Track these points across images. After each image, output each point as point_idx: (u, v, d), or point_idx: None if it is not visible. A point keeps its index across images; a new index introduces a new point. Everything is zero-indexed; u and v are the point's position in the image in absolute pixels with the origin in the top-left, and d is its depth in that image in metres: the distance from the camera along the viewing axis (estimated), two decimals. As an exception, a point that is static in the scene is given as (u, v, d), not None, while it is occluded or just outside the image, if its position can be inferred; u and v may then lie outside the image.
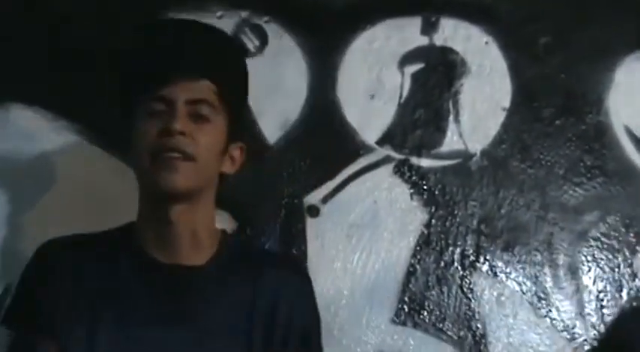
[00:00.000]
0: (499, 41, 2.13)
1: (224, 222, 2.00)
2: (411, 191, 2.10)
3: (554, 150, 2.12)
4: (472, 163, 2.11)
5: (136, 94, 1.64)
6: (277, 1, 2.12)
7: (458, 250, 2.09)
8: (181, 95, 1.61)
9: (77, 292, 1.62)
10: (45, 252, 1.68)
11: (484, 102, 2.13)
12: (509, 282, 2.08)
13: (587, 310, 2.08)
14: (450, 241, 2.09)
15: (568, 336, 2.07)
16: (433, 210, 2.10)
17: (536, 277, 2.08)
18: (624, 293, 2.09)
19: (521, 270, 2.09)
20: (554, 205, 2.11)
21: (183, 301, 1.64)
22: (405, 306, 2.06)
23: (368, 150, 2.10)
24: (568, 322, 2.07)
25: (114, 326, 1.61)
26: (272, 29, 2.10)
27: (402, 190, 2.10)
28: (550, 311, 2.08)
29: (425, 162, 2.11)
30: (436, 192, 2.10)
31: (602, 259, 2.10)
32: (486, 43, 2.13)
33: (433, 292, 2.07)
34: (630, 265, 2.09)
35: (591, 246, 2.10)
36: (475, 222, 2.10)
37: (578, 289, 2.08)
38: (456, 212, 2.10)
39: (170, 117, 1.60)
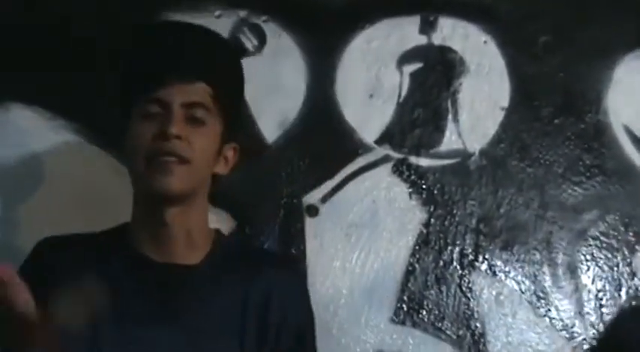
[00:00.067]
0: (498, 40, 2.13)
1: (223, 221, 2.01)
2: (410, 190, 2.10)
3: (553, 149, 2.12)
4: (471, 162, 2.11)
5: (132, 95, 1.65)
6: (276, 0, 2.12)
7: (457, 249, 2.09)
8: (177, 98, 1.61)
9: (71, 291, 1.62)
10: (41, 250, 1.69)
11: (483, 102, 2.13)
12: (508, 281, 2.08)
13: (586, 309, 2.08)
14: (448, 240, 2.09)
15: (567, 335, 2.07)
16: (432, 209, 2.10)
17: (535, 276, 2.08)
18: (623, 293, 2.08)
19: (520, 269, 2.08)
20: (553, 204, 2.10)
21: (177, 300, 1.64)
22: (404, 305, 2.06)
23: (367, 149, 2.10)
24: (567, 321, 2.07)
25: (110, 326, 1.61)
26: (270, 28, 2.10)
27: (400, 189, 2.10)
28: (549, 310, 2.08)
29: (424, 162, 2.11)
30: (435, 192, 2.10)
31: (601, 258, 2.10)
32: (485, 42, 2.13)
33: (432, 291, 2.07)
34: (629, 264, 2.09)
35: (590, 245, 2.10)
36: (474, 221, 2.10)
37: (577, 288, 2.08)
38: (454, 211, 2.10)
39: (166, 120, 1.60)
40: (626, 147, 2.12)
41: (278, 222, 2.06)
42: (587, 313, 2.07)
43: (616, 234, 2.10)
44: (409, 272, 2.07)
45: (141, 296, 1.63)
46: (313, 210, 2.07)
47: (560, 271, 2.09)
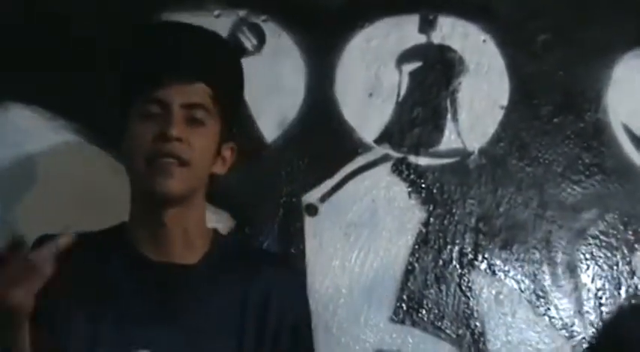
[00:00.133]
0: (497, 39, 2.13)
1: (223, 221, 2.02)
2: (409, 189, 2.10)
3: (553, 148, 2.12)
4: (470, 161, 2.11)
5: (131, 95, 1.65)
6: (275, 0, 2.12)
7: (456, 248, 2.09)
8: (177, 98, 1.62)
9: (70, 289, 1.63)
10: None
11: (482, 101, 2.12)
12: (507, 280, 2.08)
13: (585, 308, 2.08)
14: (448, 239, 2.09)
15: (567, 334, 2.07)
16: (431, 208, 2.10)
17: (535, 275, 2.08)
18: (623, 291, 2.08)
19: (520, 268, 2.08)
20: (553, 203, 2.10)
21: (176, 300, 1.64)
22: (404, 305, 2.06)
23: (366, 148, 2.10)
24: (567, 320, 2.07)
25: (108, 325, 1.62)
26: (270, 28, 2.10)
27: (400, 189, 2.10)
28: (549, 309, 2.08)
29: (423, 161, 2.11)
30: (434, 191, 2.10)
31: (600, 257, 2.09)
32: (484, 41, 2.13)
33: (431, 290, 2.07)
34: (629, 263, 2.09)
35: (590, 243, 2.10)
36: (473, 221, 2.10)
37: (577, 287, 2.08)
38: (454, 210, 2.10)
39: (166, 122, 1.60)
40: (625, 146, 2.12)
41: (277, 221, 2.07)
42: (587, 312, 2.07)
43: (615, 232, 2.10)
44: (408, 272, 2.07)
45: (139, 295, 1.64)
46: (312, 210, 2.08)
47: (559, 270, 2.09)
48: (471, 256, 2.08)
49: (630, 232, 2.10)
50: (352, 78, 2.11)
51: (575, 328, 2.07)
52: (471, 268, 2.08)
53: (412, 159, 2.11)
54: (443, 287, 2.07)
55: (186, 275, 1.66)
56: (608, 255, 2.09)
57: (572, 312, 2.07)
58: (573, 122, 2.13)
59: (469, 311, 2.06)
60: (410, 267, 2.08)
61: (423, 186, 2.10)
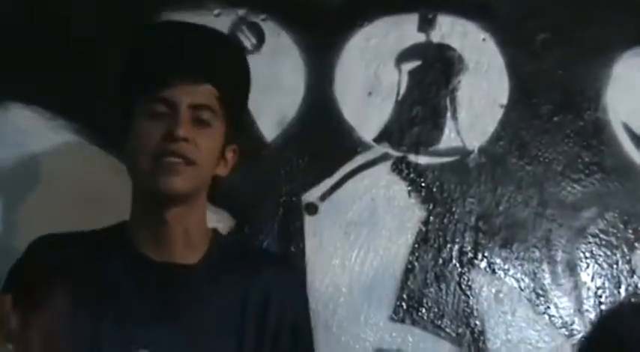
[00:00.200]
0: (496, 38, 2.13)
1: (222, 220, 2.02)
2: (409, 188, 2.10)
3: (552, 146, 2.12)
4: (470, 160, 2.11)
5: (136, 94, 1.65)
6: (274, -1, 2.13)
7: (456, 247, 2.09)
8: (184, 98, 1.62)
9: (69, 289, 1.63)
10: (37, 248, 1.70)
11: (482, 99, 2.12)
12: (507, 279, 2.08)
13: (585, 306, 2.07)
14: (448, 238, 2.09)
15: (566, 333, 2.07)
16: (431, 207, 2.10)
17: (535, 274, 2.08)
18: (622, 290, 2.08)
19: (520, 267, 2.08)
20: (553, 202, 2.10)
21: (177, 300, 1.65)
22: (404, 303, 2.06)
23: (365, 147, 2.10)
24: (567, 318, 2.07)
25: (109, 325, 1.62)
26: (269, 27, 2.10)
27: (399, 187, 2.10)
28: (548, 307, 2.07)
29: (422, 160, 2.11)
30: (434, 190, 2.10)
31: (600, 255, 2.09)
32: (484, 39, 2.13)
33: (431, 289, 2.07)
34: (629, 261, 2.09)
35: (590, 242, 2.10)
36: (473, 219, 2.09)
37: (577, 285, 2.08)
38: (453, 209, 2.10)
39: (173, 121, 1.61)
40: (625, 145, 2.12)
41: (277, 220, 2.07)
42: (587, 310, 2.07)
43: (615, 231, 2.10)
44: (408, 270, 2.07)
45: (140, 295, 1.64)
46: (312, 209, 2.08)
47: (559, 269, 2.09)
48: (470, 255, 2.08)
49: (630, 231, 2.10)
50: (351, 77, 2.11)
51: (575, 326, 2.07)
52: (471, 267, 2.08)
53: (412, 157, 2.11)
54: (443, 286, 2.07)
55: (187, 275, 1.67)
56: (608, 253, 2.09)
57: (571, 311, 2.07)
58: (573, 121, 2.12)
59: (469, 310, 2.07)
60: (410, 266, 2.08)
61: (423, 184, 2.10)
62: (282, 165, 2.08)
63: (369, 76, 2.12)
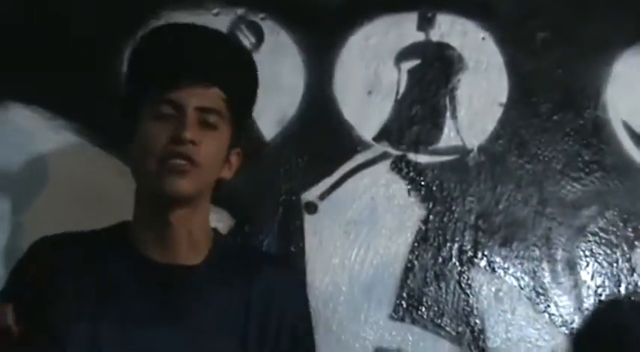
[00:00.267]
0: (496, 37, 2.13)
1: (222, 219, 2.02)
2: (409, 187, 2.10)
3: (552, 145, 2.11)
4: (469, 159, 2.11)
5: (142, 95, 1.65)
6: (273, -2, 2.13)
7: (456, 246, 2.08)
8: (191, 101, 1.62)
9: (70, 290, 1.63)
10: (39, 250, 1.70)
11: (481, 98, 2.12)
12: (507, 278, 2.08)
13: (585, 305, 2.07)
14: (447, 237, 2.09)
15: (567, 331, 2.06)
16: (431, 206, 2.10)
17: (535, 272, 2.08)
18: (622, 288, 2.08)
19: (520, 266, 2.08)
20: (552, 200, 2.10)
21: (180, 300, 1.65)
22: (403, 302, 2.06)
23: (365, 146, 2.10)
24: (567, 317, 2.07)
25: (110, 326, 1.62)
26: (268, 26, 2.10)
27: (399, 186, 2.10)
28: (548, 306, 2.07)
29: (422, 158, 2.11)
30: (434, 188, 2.10)
31: (600, 254, 2.09)
32: (483, 38, 2.13)
33: (431, 288, 2.07)
34: (628, 260, 2.09)
35: (589, 241, 2.10)
36: (473, 218, 2.09)
37: (577, 284, 2.08)
38: (453, 208, 2.10)
39: (180, 124, 1.61)
40: (625, 143, 2.11)
41: (277, 219, 2.07)
42: (587, 309, 2.07)
43: (615, 229, 2.09)
44: (408, 269, 2.07)
45: (143, 296, 1.64)
46: (312, 208, 2.08)
47: (559, 267, 2.08)
48: (470, 253, 2.08)
49: (630, 229, 2.09)
50: (351, 76, 2.11)
51: (575, 325, 2.07)
52: (471, 265, 2.08)
53: (411, 156, 2.11)
54: (442, 285, 2.07)
55: (190, 276, 1.67)
56: (608, 252, 2.09)
57: (572, 309, 2.07)
58: (573, 119, 2.12)
59: (469, 309, 2.06)
60: (409, 265, 2.07)
61: (423, 183, 2.10)
62: (281, 164, 2.08)
63: (369, 74, 2.12)
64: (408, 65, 2.13)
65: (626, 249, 2.09)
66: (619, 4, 2.14)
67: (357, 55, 2.12)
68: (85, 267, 1.66)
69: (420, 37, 2.13)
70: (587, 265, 2.08)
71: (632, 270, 2.08)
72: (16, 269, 1.70)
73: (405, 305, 2.06)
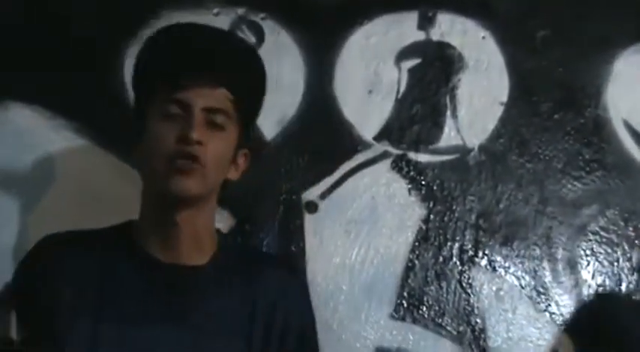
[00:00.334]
0: (496, 35, 2.13)
1: (223, 219, 2.02)
2: (409, 186, 2.10)
3: (553, 144, 2.11)
4: (470, 158, 2.11)
5: (150, 94, 1.65)
6: (274, -3, 2.13)
7: (456, 245, 2.08)
8: (198, 101, 1.62)
9: (74, 290, 1.63)
10: (41, 248, 1.70)
11: (482, 97, 2.12)
12: (508, 277, 2.08)
13: (586, 304, 2.07)
14: (448, 236, 2.09)
15: (567, 331, 2.06)
16: (431, 205, 2.09)
17: (535, 271, 2.08)
18: (623, 288, 2.08)
19: (520, 265, 2.08)
20: (553, 199, 2.10)
21: (185, 301, 1.65)
22: (404, 302, 2.06)
23: (365, 145, 2.10)
24: (567, 316, 2.07)
25: (115, 325, 1.62)
26: (268, 26, 2.10)
27: (400, 186, 2.10)
28: (549, 305, 2.07)
29: (423, 158, 2.10)
30: (434, 188, 2.10)
31: (601, 253, 2.09)
32: (483, 37, 2.13)
33: (432, 287, 2.07)
34: (629, 259, 2.09)
35: (590, 240, 2.09)
36: (473, 217, 2.09)
37: (578, 283, 2.08)
38: (454, 207, 2.09)
39: (187, 124, 1.61)
40: (625, 142, 2.11)
41: (277, 218, 2.07)
42: (588, 308, 2.06)
43: (616, 228, 2.09)
44: (409, 269, 2.07)
45: (149, 296, 1.64)
46: (312, 207, 2.08)
47: (560, 266, 2.08)
48: (471, 253, 2.08)
49: (631, 228, 2.09)
50: (351, 75, 2.11)
51: (575, 324, 2.06)
52: (472, 265, 2.08)
53: (412, 155, 2.10)
54: (443, 284, 2.07)
55: (195, 276, 1.67)
56: (609, 251, 2.09)
57: (572, 308, 2.07)
58: (573, 118, 2.12)
59: (470, 308, 2.06)
60: (410, 264, 2.07)
61: (423, 182, 2.10)
62: (282, 164, 2.08)
63: (369, 74, 2.12)
64: (408, 64, 2.12)
65: (627, 248, 2.09)
66: (619, 3, 2.14)
67: (358, 55, 2.11)
68: (89, 266, 1.66)
69: (420, 36, 2.13)
70: (588, 264, 2.08)
71: (633, 269, 2.08)
72: (20, 268, 1.70)
73: (405, 305, 2.06)
